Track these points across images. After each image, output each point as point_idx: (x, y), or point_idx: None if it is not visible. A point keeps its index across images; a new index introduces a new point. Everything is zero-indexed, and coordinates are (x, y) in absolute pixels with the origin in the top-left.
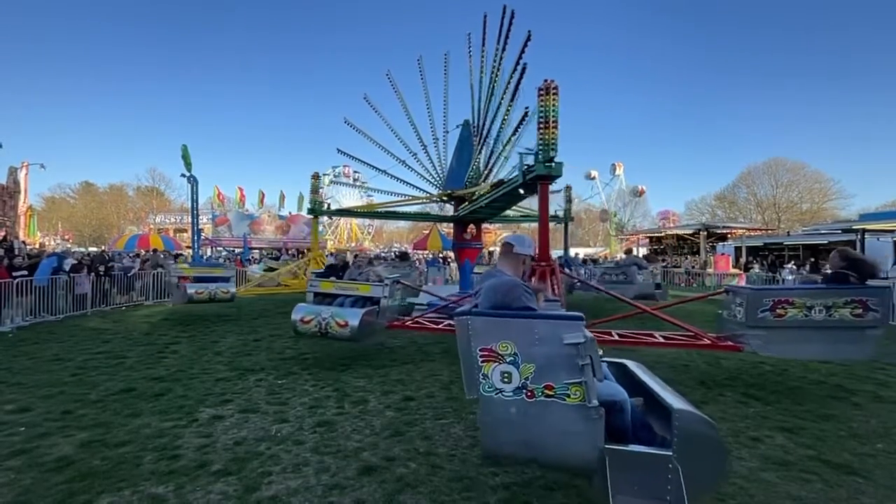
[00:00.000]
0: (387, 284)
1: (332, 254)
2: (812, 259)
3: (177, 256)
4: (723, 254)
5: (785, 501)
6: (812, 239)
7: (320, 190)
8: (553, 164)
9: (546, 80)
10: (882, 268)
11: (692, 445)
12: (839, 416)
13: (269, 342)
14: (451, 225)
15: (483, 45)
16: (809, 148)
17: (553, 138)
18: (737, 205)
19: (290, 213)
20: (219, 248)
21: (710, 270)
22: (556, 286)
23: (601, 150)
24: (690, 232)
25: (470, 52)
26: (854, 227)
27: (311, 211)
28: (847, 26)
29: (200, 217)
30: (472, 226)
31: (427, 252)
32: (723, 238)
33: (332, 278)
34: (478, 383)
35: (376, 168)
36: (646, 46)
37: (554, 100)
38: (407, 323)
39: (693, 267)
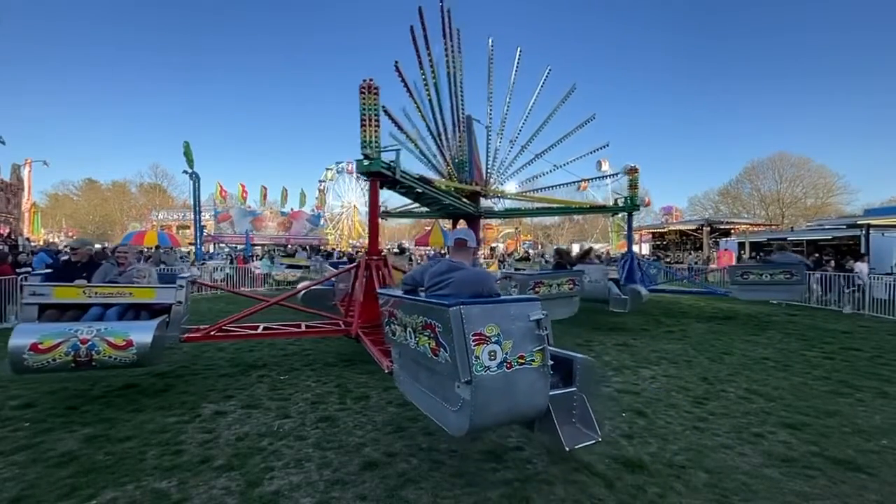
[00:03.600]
0: (181, 286)
1: (72, 247)
2: (816, 255)
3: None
4: (726, 249)
5: (788, 498)
6: (816, 234)
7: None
8: (370, 161)
9: (365, 80)
10: (574, 258)
11: (588, 380)
12: (843, 412)
13: (272, 338)
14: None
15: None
16: (814, 143)
17: (372, 137)
18: (740, 200)
19: (292, 209)
20: (221, 245)
21: (713, 266)
22: (386, 279)
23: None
24: (693, 227)
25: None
26: (859, 223)
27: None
28: (854, 23)
29: (203, 213)
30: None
31: (429, 248)
32: (726, 233)
33: (82, 281)
34: (470, 366)
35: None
36: (648, 43)
37: (374, 99)
38: (211, 333)
39: (696, 262)
